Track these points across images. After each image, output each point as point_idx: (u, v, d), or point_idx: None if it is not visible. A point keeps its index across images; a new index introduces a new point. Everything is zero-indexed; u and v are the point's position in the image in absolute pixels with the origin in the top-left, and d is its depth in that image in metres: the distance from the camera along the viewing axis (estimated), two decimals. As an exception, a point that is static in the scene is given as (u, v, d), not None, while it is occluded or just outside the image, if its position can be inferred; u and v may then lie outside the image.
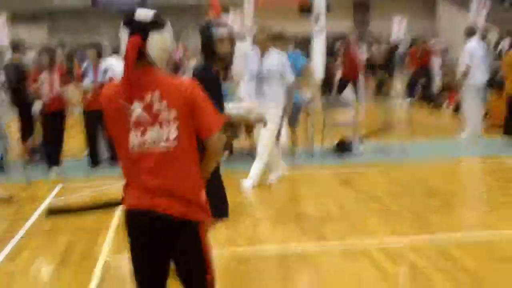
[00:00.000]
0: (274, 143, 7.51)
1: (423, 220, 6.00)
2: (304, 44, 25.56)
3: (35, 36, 23.39)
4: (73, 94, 8.90)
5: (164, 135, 2.75)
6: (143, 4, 31.49)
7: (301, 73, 8.77)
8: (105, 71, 8.50)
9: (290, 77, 7.44)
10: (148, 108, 2.74)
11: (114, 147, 2.98)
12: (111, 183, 7.83)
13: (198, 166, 2.86)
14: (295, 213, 6.53)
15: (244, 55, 7.89)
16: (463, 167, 8.52)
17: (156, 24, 2.77)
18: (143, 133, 2.76)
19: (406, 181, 7.72)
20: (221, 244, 5.30)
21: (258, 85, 7.29)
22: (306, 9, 32.84)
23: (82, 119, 8.96)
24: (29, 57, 11.72)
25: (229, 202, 4.37)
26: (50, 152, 8.55)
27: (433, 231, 5.63)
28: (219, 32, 4.33)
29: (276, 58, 7.40)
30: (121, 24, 2.80)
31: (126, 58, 2.73)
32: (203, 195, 2.88)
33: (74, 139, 9.98)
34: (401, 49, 20.51)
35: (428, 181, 7.66)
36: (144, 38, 2.73)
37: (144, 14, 2.79)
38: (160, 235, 2.81)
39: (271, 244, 5.46)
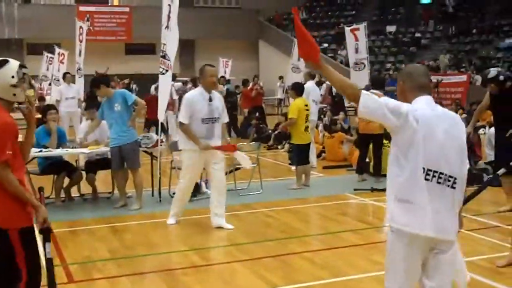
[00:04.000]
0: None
1: (290, 267, 5.83)
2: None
3: None
4: None
5: None
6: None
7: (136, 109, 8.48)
8: None
9: (227, 118, 7.64)
10: None
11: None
12: None
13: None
14: (153, 265, 6.04)
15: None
16: (313, 206, 8.59)
17: None
18: None
19: (262, 224, 7.57)
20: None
21: (210, 128, 7.20)
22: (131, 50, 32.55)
23: None
24: None
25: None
26: None
27: (301, 279, 5.47)
28: None
29: (220, 100, 7.47)
30: None
31: None
32: (5, 205, 3.57)
33: None
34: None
35: (284, 223, 7.58)
36: None
37: None
38: None
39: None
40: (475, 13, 30.83)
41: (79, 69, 14.62)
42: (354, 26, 15.28)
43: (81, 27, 14.54)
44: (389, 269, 3.46)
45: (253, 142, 11.82)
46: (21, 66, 3.77)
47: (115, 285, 5.40)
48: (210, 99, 7.22)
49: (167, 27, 8.94)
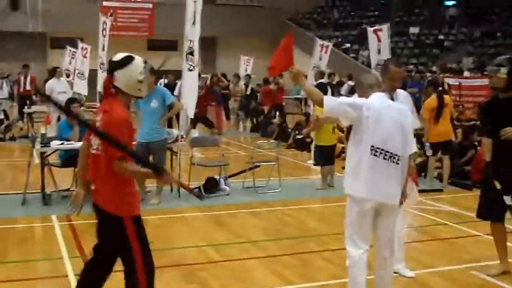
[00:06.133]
0: None
1: (308, 266, 5.83)
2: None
3: None
4: None
5: (96, 143, 3.84)
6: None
7: (170, 109, 8.48)
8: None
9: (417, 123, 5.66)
10: (98, 122, 3.87)
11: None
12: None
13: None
14: (170, 260, 6.06)
15: None
16: (332, 206, 8.55)
17: (118, 63, 3.83)
18: (92, 139, 3.91)
19: (280, 222, 7.56)
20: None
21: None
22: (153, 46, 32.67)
23: None
24: None
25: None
26: None
27: (319, 278, 5.46)
28: None
29: (406, 99, 5.26)
30: None
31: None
32: (121, 196, 3.80)
33: None
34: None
35: (302, 222, 7.57)
36: (111, 75, 3.84)
37: (115, 57, 3.89)
38: (97, 218, 3.97)
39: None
40: (500, 16, 30.47)
41: (102, 63, 14.65)
42: (377, 26, 15.14)
43: (105, 22, 14.59)
44: (346, 227, 4.41)
45: (273, 140, 11.81)
46: (145, 61, 3.94)
47: (133, 278, 5.42)
48: (392, 99, 4.87)
49: (193, 23, 8.98)
